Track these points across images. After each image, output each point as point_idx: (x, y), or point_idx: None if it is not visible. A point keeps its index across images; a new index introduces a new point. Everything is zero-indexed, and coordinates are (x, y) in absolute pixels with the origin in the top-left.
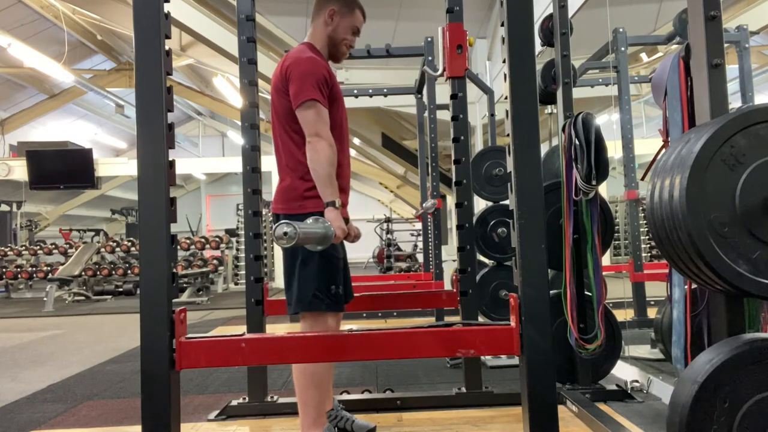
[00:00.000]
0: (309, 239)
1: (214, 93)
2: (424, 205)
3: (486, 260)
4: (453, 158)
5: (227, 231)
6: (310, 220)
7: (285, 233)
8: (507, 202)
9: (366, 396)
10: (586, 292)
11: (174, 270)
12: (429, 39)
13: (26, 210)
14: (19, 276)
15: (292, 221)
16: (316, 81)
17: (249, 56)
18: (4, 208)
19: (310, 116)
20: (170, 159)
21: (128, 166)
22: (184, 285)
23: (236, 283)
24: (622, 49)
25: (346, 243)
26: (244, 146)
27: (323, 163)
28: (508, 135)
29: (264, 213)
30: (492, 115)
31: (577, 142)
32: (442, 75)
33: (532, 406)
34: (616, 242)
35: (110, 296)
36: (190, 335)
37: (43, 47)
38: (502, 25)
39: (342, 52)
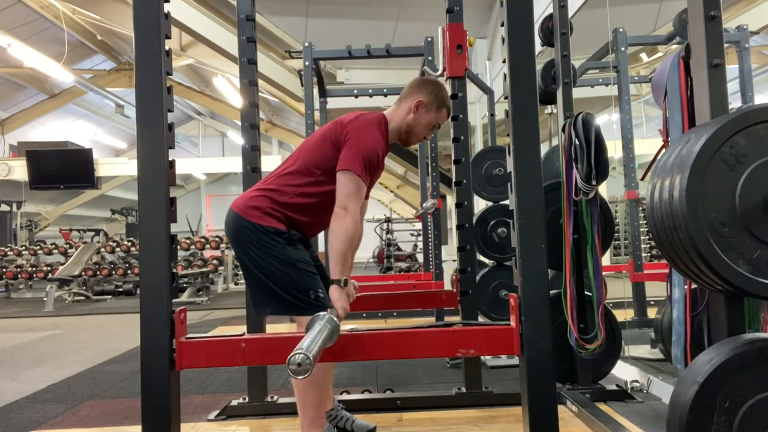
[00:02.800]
0: (322, 348)
1: (214, 93)
2: (424, 205)
3: (486, 260)
4: (453, 158)
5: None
6: (313, 323)
7: (299, 365)
8: (507, 202)
9: (366, 396)
10: (586, 292)
11: (174, 270)
12: (429, 39)
13: (26, 210)
14: (19, 276)
15: (304, 346)
16: (370, 160)
17: (249, 56)
18: (4, 208)
19: (348, 188)
20: (170, 159)
21: (128, 166)
22: (184, 285)
23: (236, 283)
24: (622, 49)
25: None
26: (244, 146)
27: (343, 240)
28: (508, 135)
29: None
30: (492, 115)
31: (577, 142)
32: (442, 75)
33: (532, 406)
34: (616, 242)
35: (110, 296)
36: (190, 335)
37: (43, 47)
38: (502, 25)
39: (413, 142)
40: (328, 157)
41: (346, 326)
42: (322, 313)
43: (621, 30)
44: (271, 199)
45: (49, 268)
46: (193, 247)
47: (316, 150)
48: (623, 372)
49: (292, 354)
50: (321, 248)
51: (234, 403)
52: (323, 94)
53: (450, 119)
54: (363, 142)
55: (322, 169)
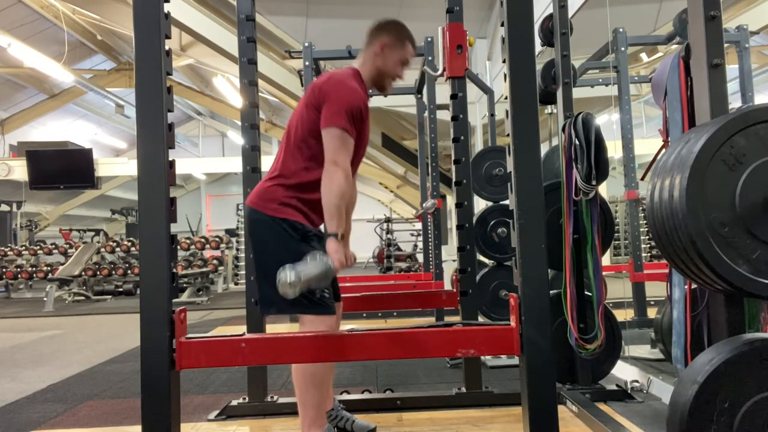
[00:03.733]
0: (311, 281)
1: (214, 93)
2: (424, 205)
3: (486, 260)
4: (453, 158)
5: (227, 231)
6: (308, 258)
7: (289, 282)
8: (507, 202)
9: (366, 396)
10: (586, 292)
11: (174, 270)
12: (429, 39)
13: (26, 210)
14: (19, 276)
15: (294, 265)
16: (352, 112)
17: (249, 56)
18: (4, 208)
19: (335, 143)
20: (170, 159)
21: (128, 166)
22: (184, 285)
23: (236, 283)
24: (622, 49)
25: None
26: (244, 146)
27: (335, 194)
28: (508, 135)
29: None
30: (492, 115)
31: (577, 142)
32: (442, 75)
33: (532, 406)
34: (616, 242)
35: (110, 296)
36: (190, 335)
37: (43, 47)
38: (502, 25)
39: (388, 83)
40: (315, 123)
41: (346, 326)
42: (319, 253)
43: (621, 30)
44: (282, 186)
45: (49, 268)
46: (193, 247)
47: (302, 121)
48: (623, 372)
49: (281, 270)
50: None
51: (234, 403)
52: None
53: (450, 119)
54: (341, 97)
55: (315, 136)
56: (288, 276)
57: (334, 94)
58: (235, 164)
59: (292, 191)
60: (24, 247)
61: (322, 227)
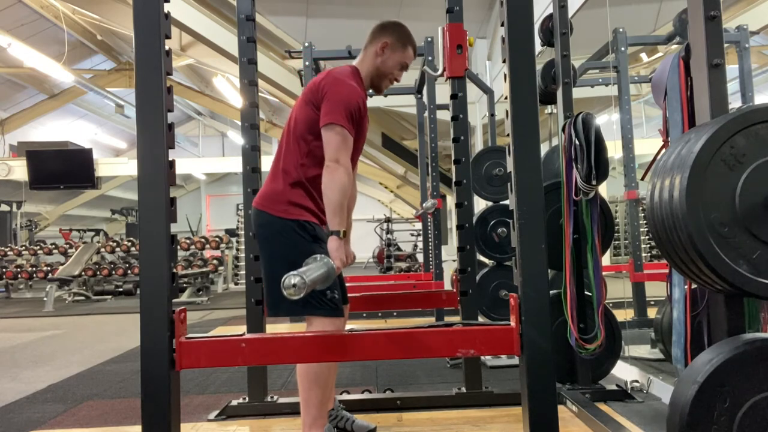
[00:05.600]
0: (315, 283)
1: (214, 93)
2: (424, 205)
3: (486, 260)
4: (453, 158)
5: (227, 231)
6: (310, 261)
7: (294, 285)
8: (507, 202)
9: (366, 396)
10: (586, 292)
11: (174, 270)
12: (429, 39)
13: (26, 210)
14: (19, 276)
15: (299, 271)
16: (350, 109)
17: (249, 56)
18: (4, 208)
19: (335, 141)
20: (170, 159)
21: (128, 166)
22: (184, 285)
23: (236, 283)
24: (622, 49)
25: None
26: (244, 146)
27: (337, 191)
28: (508, 135)
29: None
30: (492, 115)
31: (577, 142)
32: (442, 75)
33: (532, 406)
34: (616, 242)
35: (110, 296)
36: (190, 335)
37: (43, 47)
38: (502, 25)
39: (385, 84)
40: (314, 121)
41: (347, 326)
42: (319, 255)
43: (621, 30)
44: (286, 184)
45: (49, 268)
46: (193, 247)
47: (301, 118)
48: (623, 372)
49: (286, 276)
50: None
51: (234, 403)
52: None
53: (450, 119)
54: (340, 94)
55: (313, 133)
56: (292, 281)
57: (333, 92)
58: (235, 164)
59: (297, 189)
60: (24, 247)
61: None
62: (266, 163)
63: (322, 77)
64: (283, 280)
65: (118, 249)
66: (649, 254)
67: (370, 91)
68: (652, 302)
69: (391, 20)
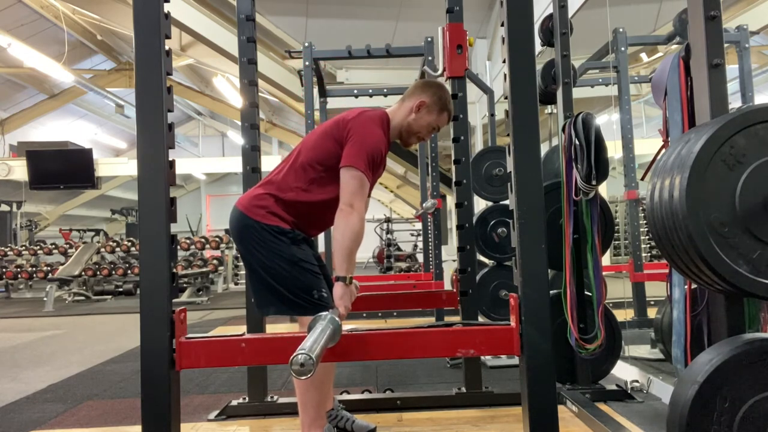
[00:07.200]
0: (324, 350)
1: (214, 93)
2: (424, 205)
3: (486, 260)
4: (453, 158)
5: (227, 231)
6: (314, 323)
7: (302, 365)
8: (507, 202)
9: (366, 396)
10: (586, 292)
11: (174, 270)
12: (429, 39)
13: (26, 210)
14: (19, 276)
15: (304, 344)
16: (373, 157)
17: (249, 56)
18: (4, 208)
19: (353, 185)
20: (170, 159)
21: (128, 166)
22: (184, 285)
23: (236, 283)
24: (622, 49)
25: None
26: (244, 146)
27: (349, 237)
28: (508, 135)
29: None
30: (492, 115)
31: (577, 142)
32: (442, 75)
33: (532, 406)
34: (616, 242)
35: (110, 296)
36: (190, 335)
37: (43, 47)
38: (502, 25)
39: (413, 141)
40: (331, 154)
41: (347, 326)
42: (324, 313)
43: (621, 30)
44: (275, 197)
45: (49, 268)
46: (193, 247)
47: (317, 147)
48: (623, 372)
49: (294, 354)
50: (321, 248)
51: (234, 403)
52: (323, 94)
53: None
54: (366, 139)
55: (324, 165)
56: (300, 360)
57: (360, 136)
58: (235, 164)
59: (282, 205)
60: (24, 247)
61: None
62: (266, 163)
63: (353, 116)
64: (291, 359)
65: (118, 249)
66: (649, 254)
67: (370, 91)
68: (652, 302)
69: (436, 81)
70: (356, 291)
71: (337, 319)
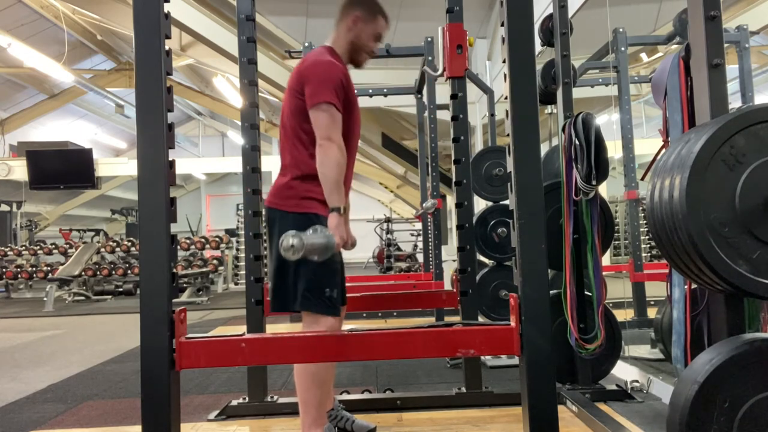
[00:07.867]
0: (313, 251)
1: (214, 93)
2: (424, 205)
3: (486, 260)
4: (453, 158)
5: (227, 231)
6: (310, 231)
7: (292, 245)
8: (507, 202)
9: (366, 396)
10: (586, 292)
11: (174, 270)
12: (429, 39)
13: (26, 210)
14: (19, 276)
15: (299, 232)
16: (333, 85)
17: (249, 56)
18: (4, 208)
19: (323, 119)
20: (170, 159)
21: (128, 166)
22: (184, 285)
23: (236, 283)
24: (622, 49)
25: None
26: (244, 146)
27: (332, 168)
28: (508, 135)
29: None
30: (492, 115)
31: (577, 142)
32: (442, 75)
33: (532, 406)
34: (616, 242)
35: (110, 296)
36: (190, 335)
37: (43, 47)
38: (502, 25)
39: (363, 58)
40: (303, 109)
41: (347, 326)
42: (320, 227)
43: (621, 30)
44: (300, 178)
45: (49, 268)
46: (193, 247)
47: (293, 109)
48: (623, 372)
49: (284, 236)
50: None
51: (234, 403)
52: None
53: (450, 119)
54: (320, 73)
55: (308, 122)
56: (290, 241)
57: (312, 74)
58: (235, 164)
59: (307, 183)
60: (24, 247)
61: None
62: (266, 163)
63: (304, 65)
64: (281, 240)
65: (118, 249)
66: (649, 254)
67: (370, 91)
68: (652, 302)
69: None
70: (354, 245)
71: (333, 238)
